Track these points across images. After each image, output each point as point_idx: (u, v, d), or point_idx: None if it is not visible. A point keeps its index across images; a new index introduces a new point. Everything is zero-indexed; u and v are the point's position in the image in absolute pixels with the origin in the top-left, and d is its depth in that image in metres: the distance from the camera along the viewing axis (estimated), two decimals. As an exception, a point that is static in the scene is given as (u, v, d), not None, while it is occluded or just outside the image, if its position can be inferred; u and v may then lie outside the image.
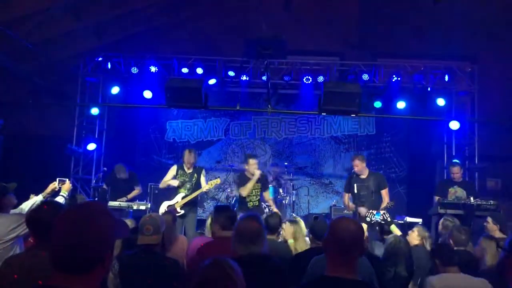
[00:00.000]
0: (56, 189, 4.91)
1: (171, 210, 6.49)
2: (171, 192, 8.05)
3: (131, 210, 7.51)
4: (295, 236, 4.64)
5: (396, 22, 8.98)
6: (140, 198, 8.15)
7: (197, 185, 7.08)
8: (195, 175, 7.11)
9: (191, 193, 7.00)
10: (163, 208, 6.94)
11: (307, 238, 4.69)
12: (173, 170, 7.22)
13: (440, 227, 5.35)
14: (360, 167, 6.81)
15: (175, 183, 7.07)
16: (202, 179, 7.14)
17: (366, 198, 6.64)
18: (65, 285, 1.44)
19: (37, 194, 4.74)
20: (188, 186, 7.08)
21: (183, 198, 6.99)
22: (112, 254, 1.53)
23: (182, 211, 6.94)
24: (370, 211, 5.70)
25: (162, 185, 7.28)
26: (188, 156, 7.13)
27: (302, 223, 4.90)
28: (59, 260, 1.46)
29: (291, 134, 10.50)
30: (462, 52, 9.22)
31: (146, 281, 3.14)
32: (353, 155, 7.41)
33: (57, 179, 4.76)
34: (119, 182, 7.95)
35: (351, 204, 6.89)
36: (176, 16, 9.49)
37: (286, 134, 10.50)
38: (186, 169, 7.17)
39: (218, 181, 7.14)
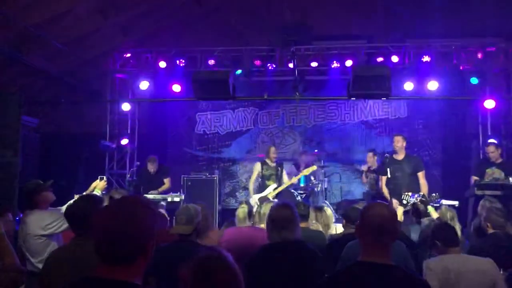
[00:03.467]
0: None
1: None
2: (207, 184, 8.49)
3: (165, 203, 7.62)
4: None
5: (425, 0, 8.71)
6: (173, 190, 8.28)
7: (281, 177, 7.84)
8: (279, 168, 7.89)
9: (280, 185, 7.70)
10: (254, 200, 7.35)
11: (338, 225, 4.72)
12: (257, 166, 7.98)
13: (479, 208, 5.17)
14: (400, 144, 6.77)
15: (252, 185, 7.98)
16: (284, 172, 7.98)
17: (401, 180, 6.52)
18: (109, 275, 1.51)
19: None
20: (275, 178, 7.80)
21: (274, 189, 7.63)
22: (153, 245, 1.58)
23: (276, 200, 7.38)
24: (406, 193, 5.58)
25: (250, 185, 8.00)
26: (273, 152, 7.93)
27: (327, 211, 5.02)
28: (103, 252, 1.52)
29: (320, 121, 10.40)
30: (495, 29, 8.87)
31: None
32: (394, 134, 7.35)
33: (99, 177, 4.83)
34: (150, 176, 8.19)
35: (385, 190, 6.78)
36: (199, 8, 9.52)
37: (315, 121, 10.41)
38: (270, 163, 7.91)
39: (314, 167, 8.01)
